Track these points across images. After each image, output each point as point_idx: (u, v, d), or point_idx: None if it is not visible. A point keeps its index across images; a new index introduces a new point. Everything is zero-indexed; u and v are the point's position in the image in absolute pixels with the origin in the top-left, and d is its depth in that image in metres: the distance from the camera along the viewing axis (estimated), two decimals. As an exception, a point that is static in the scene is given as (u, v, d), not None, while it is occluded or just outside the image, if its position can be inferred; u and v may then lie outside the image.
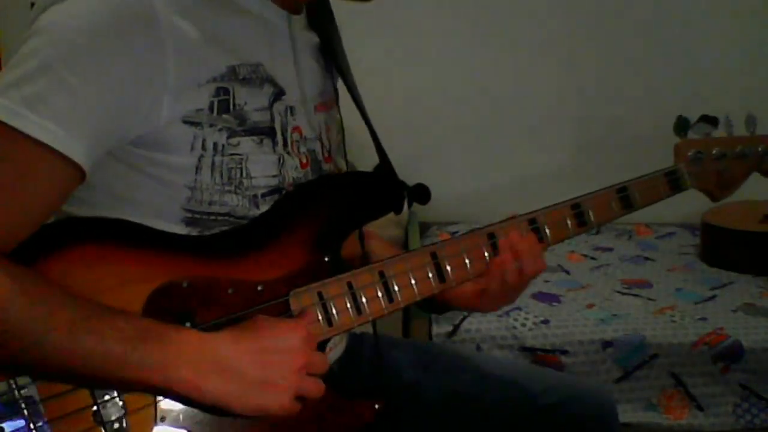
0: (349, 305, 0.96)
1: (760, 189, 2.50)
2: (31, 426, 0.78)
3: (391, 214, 1.04)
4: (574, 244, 2.60)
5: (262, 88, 0.95)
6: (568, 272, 2.38)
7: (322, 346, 0.97)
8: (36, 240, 0.81)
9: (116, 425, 0.82)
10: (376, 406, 0.99)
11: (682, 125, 1.24)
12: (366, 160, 1.12)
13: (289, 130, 0.99)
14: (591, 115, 2.74)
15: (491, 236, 1.08)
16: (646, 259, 2.49)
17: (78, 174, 0.82)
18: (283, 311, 0.92)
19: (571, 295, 2.18)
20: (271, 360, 0.84)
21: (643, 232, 2.72)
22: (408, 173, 1.09)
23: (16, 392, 0.78)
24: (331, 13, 1.13)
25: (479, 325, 1.98)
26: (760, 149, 1.28)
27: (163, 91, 0.85)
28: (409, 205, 1.05)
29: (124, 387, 0.81)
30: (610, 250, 2.57)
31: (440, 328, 1.98)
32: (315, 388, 0.87)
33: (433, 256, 1.03)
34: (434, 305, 1.17)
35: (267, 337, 0.85)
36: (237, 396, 0.82)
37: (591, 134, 2.76)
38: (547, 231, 1.11)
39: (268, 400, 0.83)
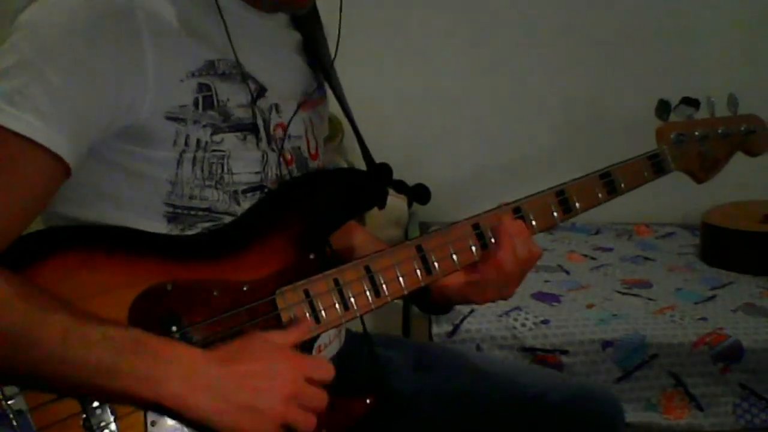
0: (336, 301, 0.96)
1: (760, 189, 2.51)
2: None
3: (391, 214, 1.04)
4: (574, 244, 2.60)
5: (243, 84, 0.95)
6: (568, 272, 2.37)
7: (310, 345, 0.97)
8: (18, 250, 0.80)
9: (106, 432, 0.82)
10: (368, 401, 0.99)
11: (663, 108, 1.24)
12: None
13: (272, 127, 0.99)
14: (585, 102, 2.75)
15: (476, 227, 1.07)
16: (646, 259, 2.48)
17: (62, 169, 0.82)
18: (270, 310, 0.93)
19: (571, 295, 2.17)
20: (260, 386, 0.83)
21: (643, 232, 2.71)
22: (408, 173, 1.09)
23: (3, 403, 0.78)
24: (315, 11, 1.12)
25: (479, 325, 1.97)
26: (742, 128, 1.29)
27: (144, 84, 0.85)
28: (409, 205, 1.05)
29: (113, 398, 0.81)
30: (610, 250, 2.56)
31: (440, 328, 1.97)
32: (304, 420, 0.85)
33: (419, 249, 1.03)
34: (433, 305, 1.17)
35: (259, 361, 0.85)
36: (222, 416, 0.82)
37: (589, 123, 2.76)
38: (533, 219, 1.11)
39: (253, 426, 0.83)
